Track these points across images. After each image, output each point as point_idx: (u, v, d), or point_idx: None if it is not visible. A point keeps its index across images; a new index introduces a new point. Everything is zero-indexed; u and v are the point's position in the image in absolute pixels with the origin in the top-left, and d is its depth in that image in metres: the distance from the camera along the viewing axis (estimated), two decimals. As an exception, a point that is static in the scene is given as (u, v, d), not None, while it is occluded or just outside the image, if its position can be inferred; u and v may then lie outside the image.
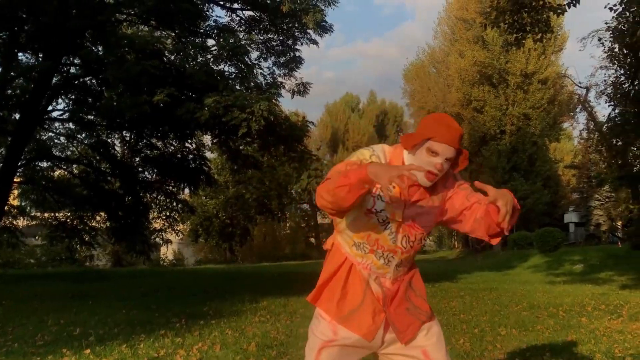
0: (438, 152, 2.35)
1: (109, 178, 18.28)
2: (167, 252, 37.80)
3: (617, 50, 16.89)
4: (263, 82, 14.86)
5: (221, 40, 13.60)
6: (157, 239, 21.37)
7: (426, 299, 2.73)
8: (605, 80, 22.14)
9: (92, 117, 16.01)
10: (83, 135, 17.89)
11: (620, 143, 22.07)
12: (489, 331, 7.38)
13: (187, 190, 19.33)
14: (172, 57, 13.28)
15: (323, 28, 14.81)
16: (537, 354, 5.93)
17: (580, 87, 31.98)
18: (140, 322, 7.87)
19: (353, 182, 2.19)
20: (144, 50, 12.56)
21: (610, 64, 20.77)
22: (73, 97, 16.06)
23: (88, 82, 15.86)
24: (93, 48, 14.54)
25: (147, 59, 11.90)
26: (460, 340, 6.68)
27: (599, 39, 18.68)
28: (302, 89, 15.38)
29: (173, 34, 14.71)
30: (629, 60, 16.40)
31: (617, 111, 20.37)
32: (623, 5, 10.05)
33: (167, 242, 21.63)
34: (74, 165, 19.01)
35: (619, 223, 43.53)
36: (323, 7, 14.65)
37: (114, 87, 12.66)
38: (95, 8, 13.57)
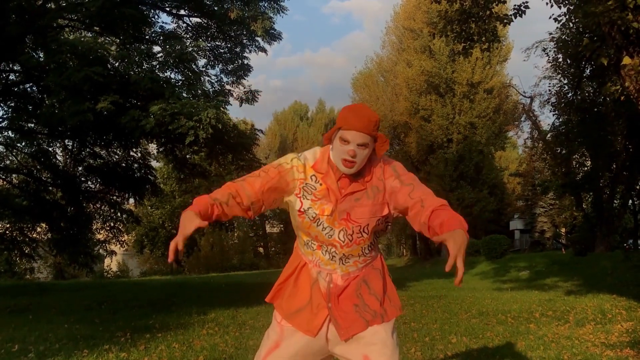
0: (348, 140, 2.45)
1: (50, 188, 17.68)
2: (111, 264, 36.89)
3: (561, 60, 17.34)
4: (211, 90, 14.64)
5: (167, 47, 13.32)
6: (101, 251, 20.75)
7: (383, 299, 2.67)
8: (549, 90, 22.71)
9: (33, 125, 15.47)
10: (23, 143, 17.26)
11: (564, 151, 22.61)
12: (440, 339, 7.37)
13: (132, 200, 18.89)
14: (117, 64, 12.91)
15: (272, 36, 14.71)
16: (488, 361, 5.92)
17: (525, 96, 32.63)
18: (83, 336, 7.56)
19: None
20: (87, 57, 12.14)
21: (554, 74, 21.32)
22: (12, 104, 15.46)
23: (28, 89, 15.32)
24: (33, 54, 14.05)
25: (90, 65, 11.53)
26: (412, 349, 6.63)
27: (544, 49, 19.14)
28: (250, 97, 15.21)
29: (117, 40, 14.34)
30: (572, 70, 16.85)
31: (561, 120, 20.88)
32: (567, 16, 10.23)
33: (112, 253, 21.04)
34: (14, 175, 18.34)
35: (563, 230, 44.65)
36: (272, 15, 14.58)
37: (55, 94, 12.22)
38: (35, 13, 13.12)
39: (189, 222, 2.33)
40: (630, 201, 23.41)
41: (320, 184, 2.57)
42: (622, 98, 7.58)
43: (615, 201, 23.31)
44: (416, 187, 2.59)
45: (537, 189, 40.34)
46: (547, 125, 28.46)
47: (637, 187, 21.97)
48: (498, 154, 43.04)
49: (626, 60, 6.64)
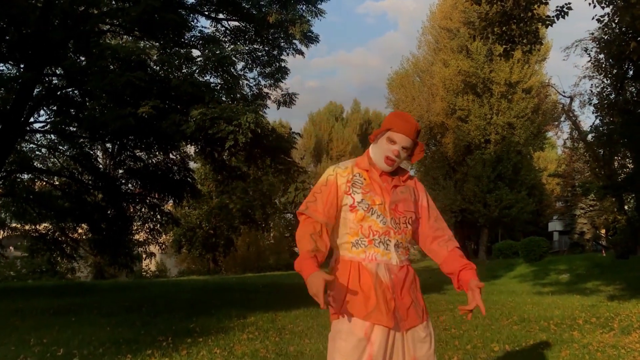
0: (396, 141, 2.83)
1: (91, 190, 17.97)
2: (149, 264, 37.38)
3: (602, 60, 16.97)
4: (249, 93, 14.71)
5: (206, 50, 13.42)
6: (140, 251, 21.02)
7: (421, 296, 2.98)
8: (591, 90, 22.28)
9: (74, 129, 15.73)
10: (65, 147, 17.59)
11: (605, 152, 22.15)
12: (482, 347, 7.26)
13: (170, 201, 19.07)
14: (157, 68, 13.06)
15: (309, 38, 14.72)
16: (533, 372, 5.81)
17: (564, 96, 32.17)
18: (126, 340, 7.66)
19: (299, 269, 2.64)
20: (128, 61, 12.33)
21: (595, 74, 20.92)
22: (55, 108, 15.74)
23: (70, 93, 15.58)
24: (76, 59, 14.29)
25: (131, 70, 11.68)
26: (454, 357, 6.55)
27: (585, 49, 18.76)
28: (288, 100, 15.24)
29: (157, 45, 14.51)
30: (615, 70, 16.48)
31: (604, 121, 20.45)
32: (609, 17, 10.00)
33: (151, 255, 21.29)
34: (56, 177, 18.69)
35: (603, 231, 43.85)
36: (310, 18, 14.58)
37: (97, 98, 12.43)
38: (78, 18, 13.35)
39: (317, 279, 2.51)
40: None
41: (365, 179, 2.89)
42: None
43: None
44: (439, 215, 3.08)
45: (577, 190, 39.69)
46: (587, 125, 27.97)
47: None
48: (537, 154, 42.46)
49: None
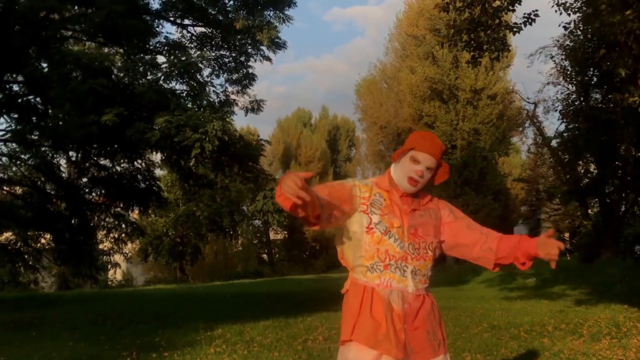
0: (419, 160, 2.69)
1: (54, 199, 17.56)
2: (115, 273, 36.72)
3: (568, 67, 17.17)
4: (216, 100, 14.51)
5: (172, 57, 13.21)
6: (105, 262, 20.62)
7: (442, 326, 2.85)
8: (556, 97, 22.56)
9: (36, 137, 15.34)
10: (27, 155, 17.15)
11: (570, 158, 22.43)
12: (454, 357, 7.17)
13: (136, 210, 18.73)
14: (121, 75, 12.80)
15: (277, 45, 14.61)
16: (506, 383, 5.76)
17: (529, 102, 32.41)
18: (89, 356, 7.43)
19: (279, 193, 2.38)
20: (90, 68, 12.06)
21: (560, 80, 21.17)
22: (16, 116, 15.33)
23: (32, 100, 15.20)
24: (37, 65, 13.95)
25: (94, 77, 11.42)
26: (426, 369, 6.45)
27: (551, 56, 18.95)
28: (255, 106, 15.10)
29: (121, 51, 14.24)
30: (580, 77, 16.69)
31: (568, 127, 20.70)
32: (575, 24, 10.09)
33: (115, 265, 20.88)
34: (17, 187, 18.22)
35: (567, 235, 44.43)
36: (277, 24, 14.46)
37: (59, 106, 12.12)
38: (39, 24, 13.03)
39: (292, 174, 2.31)
40: (636, 207, 23.20)
41: (385, 200, 2.74)
42: (640, 110, 7.45)
43: (621, 208, 23.10)
44: (471, 220, 2.92)
45: (541, 194, 40.14)
46: (551, 131, 28.30)
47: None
48: (501, 159, 42.85)
49: (645, 71, 6.51)
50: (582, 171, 24.22)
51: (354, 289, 2.73)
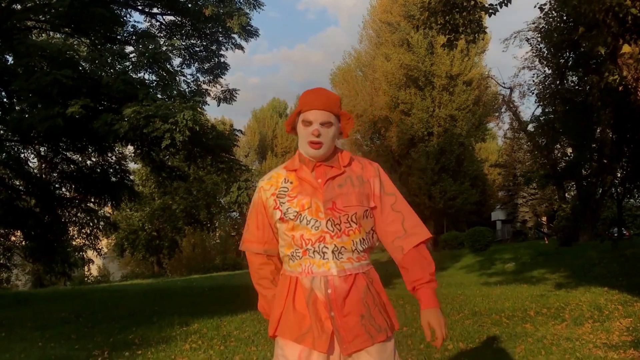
0: (311, 120, 2.44)
1: (23, 195, 17.08)
2: (91, 269, 36.22)
3: (544, 49, 17.06)
4: (187, 90, 14.16)
5: (140, 46, 12.82)
6: (78, 257, 20.18)
7: (386, 308, 2.54)
8: (533, 80, 22.51)
9: (2, 132, 14.86)
10: (-8, 150, 16.63)
11: (547, 141, 22.43)
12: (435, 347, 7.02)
13: (108, 205, 18.31)
14: (87, 66, 12.38)
15: (248, 32, 14.26)
16: (490, 372, 5.58)
17: (504, 87, 32.48)
18: (58, 358, 7.13)
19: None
20: (56, 59, 11.62)
21: (536, 64, 21.11)
22: (-20, 110, 14.86)
23: (-3, 94, 14.74)
24: (1, 57, 13.48)
25: (59, 68, 11.01)
26: (408, 358, 6.27)
27: (526, 39, 18.82)
28: (228, 96, 14.76)
29: (88, 42, 13.81)
30: (555, 60, 16.58)
31: (545, 110, 20.66)
32: (551, 4, 9.93)
33: (89, 262, 20.47)
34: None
35: (544, 219, 44.79)
36: (248, 11, 14.12)
37: (23, 99, 11.70)
38: (1, 15, 12.57)
39: None
40: (613, 190, 23.28)
41: (291, 182, 2.50)
42: (621, 88, 7.30)
43: (598, 190, 23.19)
44: (400, 198, 2.58)
45: (518, 179, 40.35)
46: (527, 115, 28.37)
47: (620, 176, 21.85)
48: (478, 145, 42.97)
49: (625, 48, 6.34)
50: (559, 155, 24.27)
51: (282, 280, 2.54)
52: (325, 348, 2.34)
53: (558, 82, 17.55)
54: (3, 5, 12.65)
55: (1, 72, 12.82)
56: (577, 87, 16.82)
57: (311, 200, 2.43)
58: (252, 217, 2.59)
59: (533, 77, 22.11)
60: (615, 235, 23.10)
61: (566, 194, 27.61)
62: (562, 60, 16.19)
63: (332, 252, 2.41)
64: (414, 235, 2.50)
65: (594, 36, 6.86)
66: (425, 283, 2.46)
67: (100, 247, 20.18)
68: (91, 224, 17.89)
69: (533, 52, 18.88)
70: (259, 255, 2.58)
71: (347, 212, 2.42)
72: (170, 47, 13.40)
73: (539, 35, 16.54)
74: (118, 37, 14.32)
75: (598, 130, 20.32)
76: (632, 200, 25.64)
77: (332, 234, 2.40)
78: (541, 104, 20.28)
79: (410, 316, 9.86)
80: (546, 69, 18.91)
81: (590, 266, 16.90)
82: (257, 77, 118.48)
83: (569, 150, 24.18)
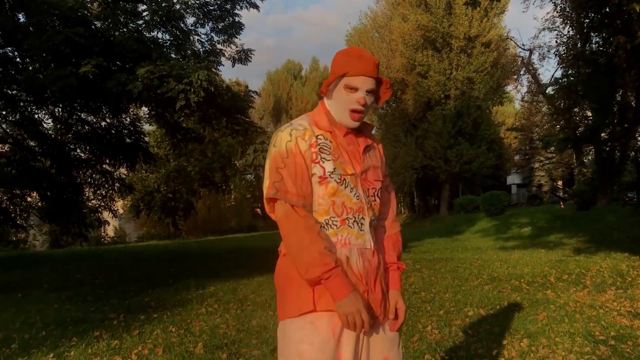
0: (357, 87, 2.24)
1: (38, 157, 17.00)
2: (107, 230, 36.45)
3: (568, 10, 16.56)
4: (201, 50, 13.88)
5: (153, 4, 12.52)
6: (94, 219, 20.17)
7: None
8: (556, 41, 21.89)
9: (16, 92, 14.70)
10: (7, 111, 16.49)
11: (566, 104, 21.98)
12: (455, 312, 6.90)
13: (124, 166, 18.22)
14: (100, 25, 12.13)
15: (264, -10, 13.90)
16: (513, 339, 5.44)
17: (524, 49, 31.87)
18: (73, 320, 7.07)
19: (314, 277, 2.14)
20: (68, 17, 11.38)
21: (557, 25, 20.52)
22: (-7, 69, 14.66)
23: (9, 53, 14.51)
24: (12, 15, 13.23)
25: (72, 26, 10.78)
26: (428, 326, 6.15)
27: (551, -1, 18.21)
28: (243, 56, 14.43)
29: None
30: (580, 20, 16.08)
31: (568, 72, 20.14)
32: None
33: (105, 223, 20.47)
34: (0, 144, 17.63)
35: (560, 183, 44.39)
36: (263, -32, 13.73)
37: (36, 58, 11.50)
38: (11, -28, 12.32)
39: (355, 305, 2.13)
40: (633, 154, 22.86)
41: (331, 142, 2.28)
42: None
43: (617, 154, 22.77)
44: (393, 188, 2.57)
45: (536, 143, 39.86)
46: (546, 78, 27.84)
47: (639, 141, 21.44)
48: (495, 108, 42.41)
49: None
50: (577, 119, 23.81)
51: None
52: (371, 321, 2.21)
53: (582, 43, 17.03)
54: (14, -38, 12.36)
55: (13, 31, 12.56)
56: (601, 48, 16.31)
57: (352, 168, 2.26)
58: (288, 167, 2.22)
59: (556, 37, 21.50)
60: (635, 199, 22.77)
61: (584, 159, 27.23)
62: (586, 21, 15.66)
63: (369, 224, 2.29)
64: (397, 222, 2.51)
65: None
66: (397, 267, 2.43)
67: (115, 209, 20.15)
68: (106, 185, 17.82)
69: (557, 12, 18.35)
70: (299, 209, 2.20)
71: (376, 186, 2.35)
72: (184, 5, 13.10)
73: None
74: (131, -6, 13.99)
75: (619, 94, 19.83)
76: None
77: (367, 205, 2.29)
78: (563, 65, 19.77)
79: (428, 281, 9.74)
80: (568, 29, 18.38)
81: (610, 231, 16.68)
82: (272, 38, 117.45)
83: (588, 113, 23.70)
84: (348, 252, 2.22)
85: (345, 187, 2.22)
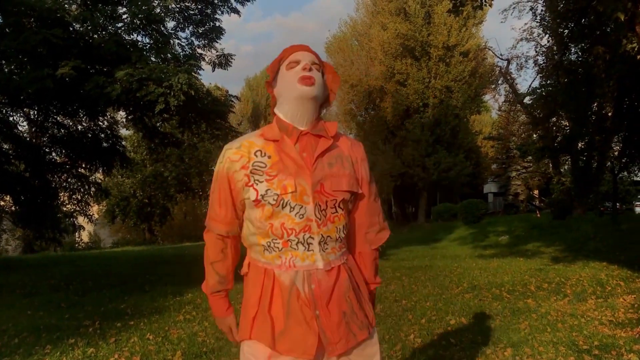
0: (299, 59, 2.14)
1: (12, 159, 16.68)
2: (82, 235, 35.96)
3: (547, 19, 16.70)
4: (181, 54, 13.75)
5: (133, 7, 12.36)
6: (69, 223, 19.84)
7: (366, 301, 2.23)
8: (536, 50, 22.10)
9: (-10, 93, 14.42)
10: (-19, 112, 16.19)
11: (544, 114, 22.17)
12: (437, 321, 6.84)
13: (100, 171, 17.96)
14: (78, 27, 11.94)
15: (244, -5, 13.84)
16: (496, 349, 5.39)
17: (502, 59, 32.13)
18: (47, 327, 6.88)
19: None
20: (46, 19, 11.19)
21: (534, 36, 20.70)
22: (-33, 71, 14.38)
23: (-16, 54, 14.26)
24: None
25: (50, 28, 10.59)
26: (410, 335, 6.09)
27: (531, 8, 18.38)
28: (223, 61, 14.34)
29: (79, 1, 13.33)
30: (560, 29, 16.23)
31: (546, 82, 20.32)
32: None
33: (79, 228, 20.15)
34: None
35: (536, 192, 44.80)
36: (244, -27, 13.66)
37: (12, 59, 11.29)
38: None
39: (225, 326, 2.38)
40: (609, 163, 23.11)
41: (270, 156, 2.07)
42: (639, 57, 7.01)
43: (594, 164, 23.00)
44: (376, 189, 2.37)
45: (512, 152, 40.19)
46: (524, 88, 28.13)
47: (619, 150, 21.65)
48: (472, 117, 42.70)
49: (646, 14, 6.07)
50: (555, 128, 24.02)
51: (253, 272, 2.16)
52: (313, 353, 2.03)
53: (561, 53, 17.19)
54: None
55: (-11, 32, 12.35)
56: (580, 58, 16.47)
57: (295, 182, 2.03)
58: (215, 191, 2.16)
59: (535, 47, 21.76)
60: (610, 209, 23.01)
61: (561, 169, 27.48)
62: (566, 31, 15.82)
63: (319, 242, 2.07)
64: (383, 231, 2.34)
65: (613, 1, 6.54)
66: (375, 286, 2.35)
67: (91, 214, 19.85)
68: (82, 189, 17.54)
69: (537, 22, 18.53)
70: (220, 238, 2.19)
71: (336, 196, 2.09)
72: (164, 9, 12.97)
73: (543, 4, 16.16)
74: (110, -3, 13.82)
75: (595, 104, 20.04)
76: (625, 174, 25.47)
77: (318, 221, 2.06)
78: (542, 75, 19.93)
79: (409, 289, 9.69)
80: (546, 40, 18.60)
81: (586, 240, 16.80)
82: (250, 44, 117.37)
83: (565, 123, 23.93)
84: (293, 275, 2.06)
85: (284, 208, 2.02)
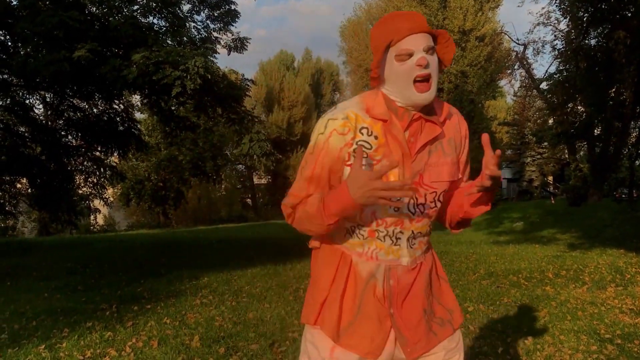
0: (410, 49, 1.74)
1: (28, 142, 16.73)
2: (97, 218, 36.17)
3: (566, 3, 16.45)
4: (197, 37, 13.68)
5: (149, -11, 12.29)
6: (84, 206, 19.93)
7: (448, 296, 2.06)
8: (554, 35, 21.80)
9: (7, 77, 14.42)
10: (-3, 95, 16.20)
11: (559, 100, 21.94)
12: (455, 308, 6.78)
13: (115, 154, 17.98)
14: (95, 9, 11.90)
15: (261, -22, 13.70)
16: (517, 337, 5.34)
17: (518, 43, 31.77)
18: (64, 310, 6.90)
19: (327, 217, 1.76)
20: (62, 1, 11.15)
21: (552, 20, 20.41)
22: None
23: (0, 36, 14.23)
24: (4, -2, 12.96)
25: (66, 10, 10.54)
26: (428, 322, 6.02)
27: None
28: (239, 45, 14.23)
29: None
30: (580, 14, 15.99)
31: (565, 67, 20.08)
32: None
33: (95, 211, 20.24)
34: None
35: (550, 179, 44.51)
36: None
37: (28, 42, 11.26)
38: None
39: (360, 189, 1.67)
40: (626, 150, 22.86)
41: (376, 137, 1.81)
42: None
43: (611, 150, 22.76)
44: (469, 171, 2.11)
45: (527, 138, 39.88)
46: (540, 73, 27.83)
47: (636, 136, 21.44)
48: (487, 103, 42.34)
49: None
50: (572, 113, 23.78)
51: (327, 252, 1.96)
52: (378, 354, 1.88)
53: (580, 37, 16.93)
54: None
55: (4, 14, 12.30)
56: (600, 43, 16.20)
57: (398, 173, 1.82)
58: (308, 166, 1.87)
59: (553, 32, 21.48)
60: (626, 196, 22.80)
61: (577, 155, 27.23)
62: (585, 15, 15.55)
63: (408, 238, 1.89)
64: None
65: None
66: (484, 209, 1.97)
67: (106, 197, 19.91)
68: (97, 173, 17.59)
69: (555, 6, 18.26)
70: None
71: (436, 189, 1.90)
72: (179, -9, 12.87)
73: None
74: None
75: (613, 90, 19.79)
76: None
77: (412, 217, 1.88)
78: (561, 60, 19.67)
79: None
80: (564, 24, 18.32)
81: (602, 227, 16.67)
82: (264, 29, 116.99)
83: (581, 109, 23.67)
84: (374, 268, 1.89)
85: None
